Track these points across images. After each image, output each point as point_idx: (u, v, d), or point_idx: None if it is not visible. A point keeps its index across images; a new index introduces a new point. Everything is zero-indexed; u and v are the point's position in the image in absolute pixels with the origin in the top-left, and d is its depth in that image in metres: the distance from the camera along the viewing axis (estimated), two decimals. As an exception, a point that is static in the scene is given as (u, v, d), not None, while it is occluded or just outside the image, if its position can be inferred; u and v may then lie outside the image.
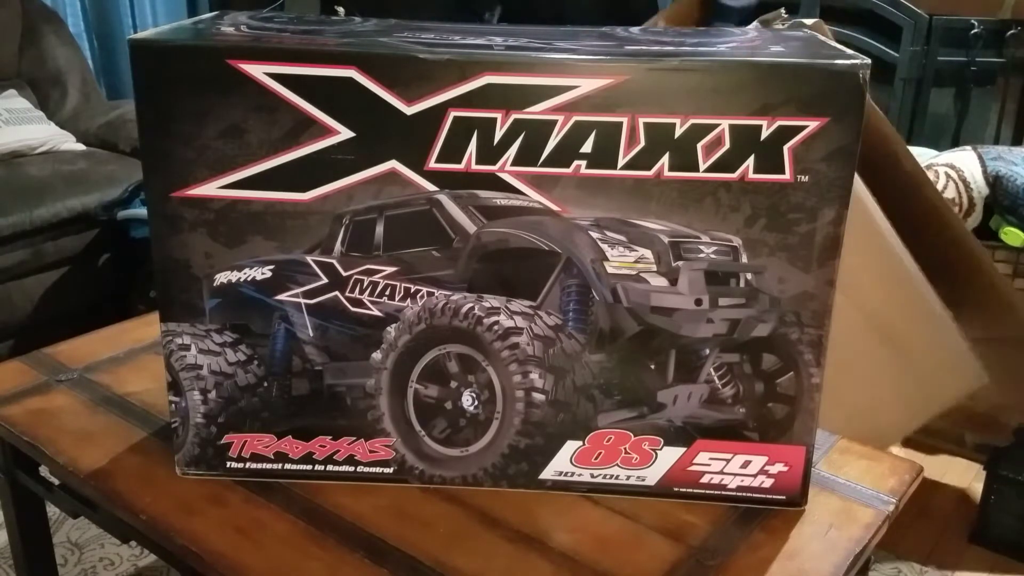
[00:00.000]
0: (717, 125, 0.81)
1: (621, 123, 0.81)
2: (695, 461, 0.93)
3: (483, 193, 0.85)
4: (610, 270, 0.86)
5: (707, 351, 0.89)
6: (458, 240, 0.88)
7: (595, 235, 0.86)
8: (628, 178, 0.83)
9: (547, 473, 0.94)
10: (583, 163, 0.83)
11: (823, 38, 0.90)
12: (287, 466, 0.96)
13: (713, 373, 0.90)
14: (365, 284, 0.89)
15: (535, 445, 0.92)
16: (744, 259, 0.85)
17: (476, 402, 0.91)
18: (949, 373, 1.56)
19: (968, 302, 1.56)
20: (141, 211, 2.30)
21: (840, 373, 1.44)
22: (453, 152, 0.83)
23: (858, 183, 1.47)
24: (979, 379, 1.55)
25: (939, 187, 1.98)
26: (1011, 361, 1.59)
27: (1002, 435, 1.78)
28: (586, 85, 0.80)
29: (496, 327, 0.87)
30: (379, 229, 0.88)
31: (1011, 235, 1.91)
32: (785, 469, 0.93)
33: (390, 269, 0.89)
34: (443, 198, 0.86)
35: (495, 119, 0.82)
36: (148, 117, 0.84)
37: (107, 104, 2.94)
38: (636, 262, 0.86)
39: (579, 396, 0.89)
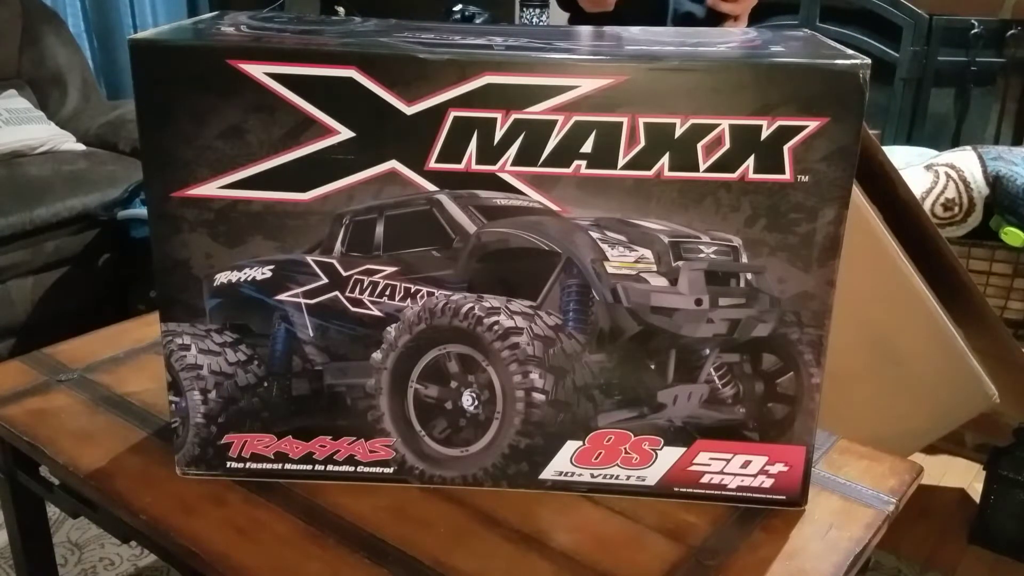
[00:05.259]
0: (717, 125, 0.81)
1: (621, 123, 0.81)
2: (695, 461, 0.93)
3: (483, 193, 0.85)
4: (610, 270, 0.86)
5: (707, 351, 0.89)
6: (458, 240, 0.88)
7: (595, 235, 0.86)
8: (628, 178, 0.83)
9: (547, 473, 0.94)
10: (583, 163, 0.83)
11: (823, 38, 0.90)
12: (287, 466, 0.96)
13: (713, 373, 0.90)
14: (365, 284, 0.89)
15: (535, 445, 0.92)
16: (744, 259, 0.85)
17: (476, 402, 0.91)
18: (961, 392, 1.55)
19: (961, 323, 1.56)
20: (141, 211, 2.30)
21: (845, 392, 1.43)
22: (453, 152, 0.83)
23: (867, 209, 1.47)
24: (990, 397, 1.55)
25: (939, 187, 1.98)
26: (997, 377, 1.59)
27: (1002, 435, 1.78)
28: (586, 85, 0.80)
29: (496, 327, 0.87)
30: (379, 229, 0.88)
31: (1011, 235, 1.91)
32: (785, 469, 0.93)
33: (390, 269, 0.89)
34: (443, 198, 0.86)
35: (495, 119, 0.82)
36: (148, 117, 0.84)
37: (107, 104, 2.94)
38: (636, 262, 0.86)
39: (579, 396, 0.89)
